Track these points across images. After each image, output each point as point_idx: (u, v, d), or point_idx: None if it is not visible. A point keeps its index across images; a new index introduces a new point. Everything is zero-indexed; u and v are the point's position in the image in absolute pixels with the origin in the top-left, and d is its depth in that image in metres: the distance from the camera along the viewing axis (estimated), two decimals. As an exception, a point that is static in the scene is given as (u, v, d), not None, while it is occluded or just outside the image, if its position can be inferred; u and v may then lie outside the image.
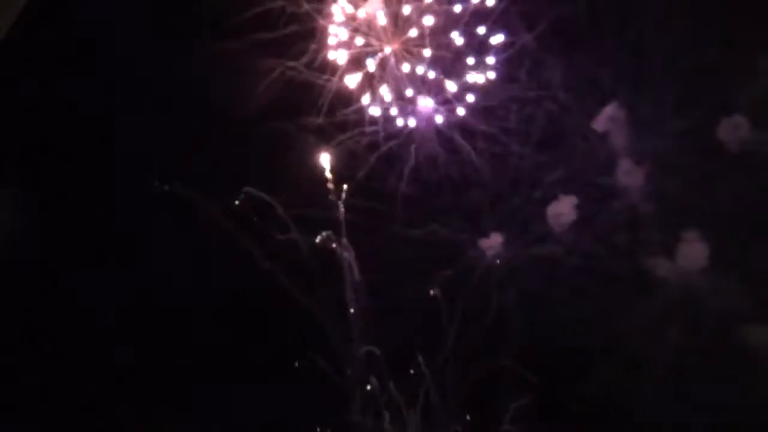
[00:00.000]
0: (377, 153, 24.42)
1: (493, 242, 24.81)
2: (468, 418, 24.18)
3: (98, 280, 23.61)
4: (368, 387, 23.88)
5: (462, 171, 25.02)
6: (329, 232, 23.86)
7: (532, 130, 25.02)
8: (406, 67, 25.02)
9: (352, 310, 23.59)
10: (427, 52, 24.91)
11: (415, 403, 23.95)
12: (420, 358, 23.58)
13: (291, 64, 24.38)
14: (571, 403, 23.16)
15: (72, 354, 23.16)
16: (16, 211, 23.08)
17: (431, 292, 23.40)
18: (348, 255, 23.53)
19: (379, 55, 25.12)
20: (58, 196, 24.31)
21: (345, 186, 24.26)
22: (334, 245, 23.68)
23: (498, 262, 24.23)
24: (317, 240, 23.82)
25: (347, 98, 24.75)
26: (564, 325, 23.18)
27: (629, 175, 24.35)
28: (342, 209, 23.92)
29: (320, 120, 24.54)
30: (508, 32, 24.97)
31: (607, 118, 24.61)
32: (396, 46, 25.36)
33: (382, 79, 25.26)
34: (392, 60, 25.46)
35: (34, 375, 22.96)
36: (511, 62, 25.03)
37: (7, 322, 22.91)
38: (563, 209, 23.88)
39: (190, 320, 23.47)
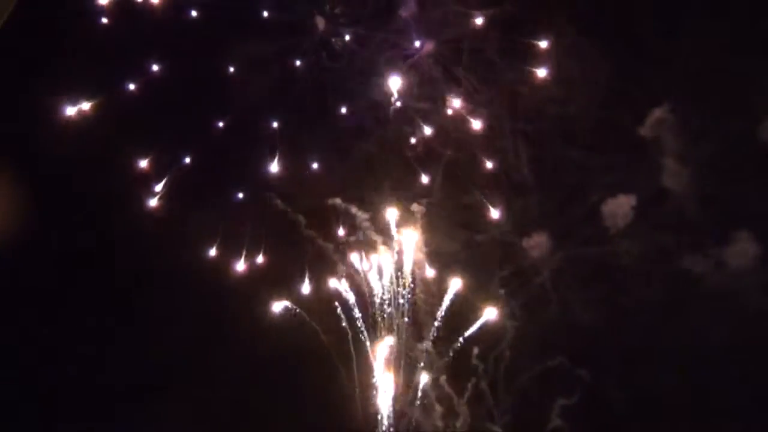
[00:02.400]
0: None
1: (536, 242, 25.30)
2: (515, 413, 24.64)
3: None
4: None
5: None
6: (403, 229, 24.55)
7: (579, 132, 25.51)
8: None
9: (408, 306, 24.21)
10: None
11: (465, 395, 24.46)
12: (475, 351, 24.10)
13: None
14: (619, 402, 23.49)
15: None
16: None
17: (500, 291, 23.89)
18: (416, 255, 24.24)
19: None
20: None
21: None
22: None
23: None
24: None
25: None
26: (613, 326, 23.63)
27: (676, 177, 24.81)
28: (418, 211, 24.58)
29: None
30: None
31: (655, 121, 25.06)
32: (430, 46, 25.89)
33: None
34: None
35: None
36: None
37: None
38: (620, 208, 24.26)
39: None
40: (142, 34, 24.69)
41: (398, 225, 24.29)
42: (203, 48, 24.87)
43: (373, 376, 23.56)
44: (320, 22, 26.21)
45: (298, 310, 23.96)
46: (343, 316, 23.89)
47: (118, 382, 23.62)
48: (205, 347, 23.58)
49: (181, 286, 24.11)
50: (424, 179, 25.13)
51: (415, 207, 24.42)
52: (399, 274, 24.13)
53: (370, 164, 25.00)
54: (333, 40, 25.82)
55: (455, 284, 23.90)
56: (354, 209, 24.60)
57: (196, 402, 23.22)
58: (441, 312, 23.99)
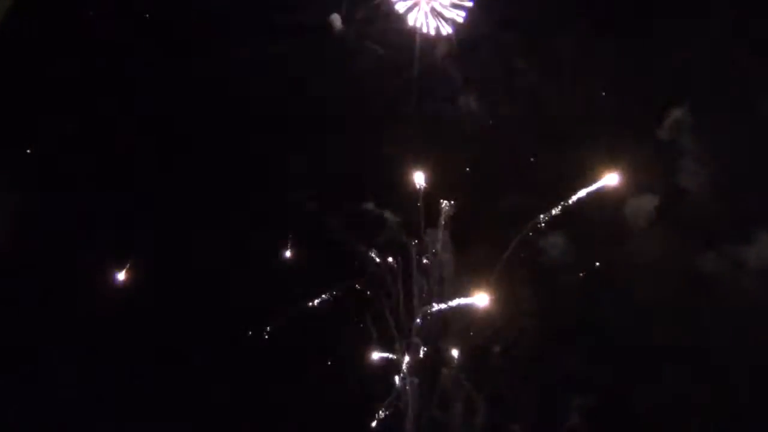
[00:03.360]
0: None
1: (556, 242, 25.39)
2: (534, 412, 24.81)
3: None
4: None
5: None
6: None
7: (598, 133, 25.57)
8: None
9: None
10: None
11: (484, 393, 24.68)
12: (497, 349, 24.40)
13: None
14: (638, 402, 23.62)
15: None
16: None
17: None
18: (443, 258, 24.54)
19: None
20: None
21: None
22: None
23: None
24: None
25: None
26: (633, 325, 23.76)
27: (696, 177, 24.84)
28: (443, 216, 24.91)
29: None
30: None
31: (674, 121, 25.11)
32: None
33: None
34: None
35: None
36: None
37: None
38: (640, 209, 24.34)
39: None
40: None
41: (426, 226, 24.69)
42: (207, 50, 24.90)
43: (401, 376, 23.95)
44: (336, 21, 26.24)
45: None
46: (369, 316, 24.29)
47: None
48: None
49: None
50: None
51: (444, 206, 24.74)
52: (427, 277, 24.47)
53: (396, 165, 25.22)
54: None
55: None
56: (387, 213, 24.83)
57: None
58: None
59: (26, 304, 22.99)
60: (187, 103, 24.91)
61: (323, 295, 24.22)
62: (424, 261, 24.50)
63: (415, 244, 24.67)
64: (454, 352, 24.49)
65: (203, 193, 24.69)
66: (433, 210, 24.77)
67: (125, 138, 24.44)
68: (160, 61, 24.85)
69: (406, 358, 23.96)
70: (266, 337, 24.39)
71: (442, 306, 24.09)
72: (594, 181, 24.48)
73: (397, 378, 23.75)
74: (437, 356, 24.40)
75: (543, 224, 24.75)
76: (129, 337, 23.36)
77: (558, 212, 24.72)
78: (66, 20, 24.54)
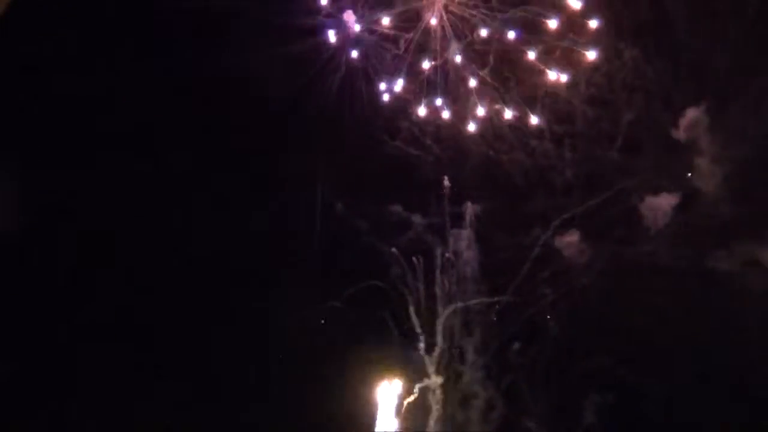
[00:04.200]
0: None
1: (573, 243, 25.59)
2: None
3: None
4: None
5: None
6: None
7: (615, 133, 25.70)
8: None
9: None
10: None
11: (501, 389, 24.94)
12: (516, 346, 24.66)
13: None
14: (653, 402, 23.91)
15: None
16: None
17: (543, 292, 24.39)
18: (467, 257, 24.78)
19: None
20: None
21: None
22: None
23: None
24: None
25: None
26: (648, 326, 23.88)
27: (712, 177, 24.98)
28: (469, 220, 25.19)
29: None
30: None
31: (690, 121, 25.23)
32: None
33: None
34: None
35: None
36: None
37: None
38: (659, 209, 24.51)
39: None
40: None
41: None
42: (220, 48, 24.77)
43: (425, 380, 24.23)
44: (350, 17, 26.21)
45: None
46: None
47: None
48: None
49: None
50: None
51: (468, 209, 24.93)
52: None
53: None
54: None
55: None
56: (415, 216, 25.07)
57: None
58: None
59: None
60: (207, 100, 25.03)
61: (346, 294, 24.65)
62: (448, 261, 24.79)
63: (440, 244, 25.06)
64: (475, 350, 24.81)
65: (224, 192, 24.95)
66: (460, 211, 25.13)
67: (132, 137, 24.57)
68: (164, 60, 24.90)
69: (429, 357, 24.28)
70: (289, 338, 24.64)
71: (465, 305, 24.40)
72: (612, 181, 24.71)
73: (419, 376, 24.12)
74: (459, 354, 24.70)
75: (564, 224, 25.05)
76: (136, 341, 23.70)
77: (577, 212, 24.96)
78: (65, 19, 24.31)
